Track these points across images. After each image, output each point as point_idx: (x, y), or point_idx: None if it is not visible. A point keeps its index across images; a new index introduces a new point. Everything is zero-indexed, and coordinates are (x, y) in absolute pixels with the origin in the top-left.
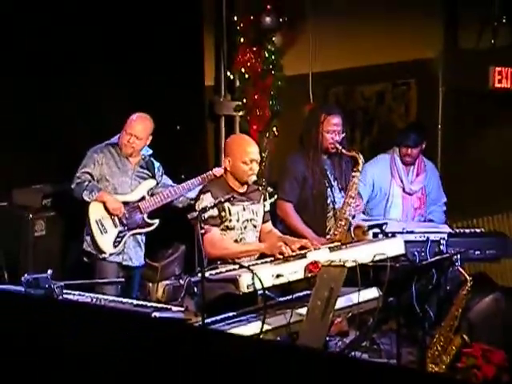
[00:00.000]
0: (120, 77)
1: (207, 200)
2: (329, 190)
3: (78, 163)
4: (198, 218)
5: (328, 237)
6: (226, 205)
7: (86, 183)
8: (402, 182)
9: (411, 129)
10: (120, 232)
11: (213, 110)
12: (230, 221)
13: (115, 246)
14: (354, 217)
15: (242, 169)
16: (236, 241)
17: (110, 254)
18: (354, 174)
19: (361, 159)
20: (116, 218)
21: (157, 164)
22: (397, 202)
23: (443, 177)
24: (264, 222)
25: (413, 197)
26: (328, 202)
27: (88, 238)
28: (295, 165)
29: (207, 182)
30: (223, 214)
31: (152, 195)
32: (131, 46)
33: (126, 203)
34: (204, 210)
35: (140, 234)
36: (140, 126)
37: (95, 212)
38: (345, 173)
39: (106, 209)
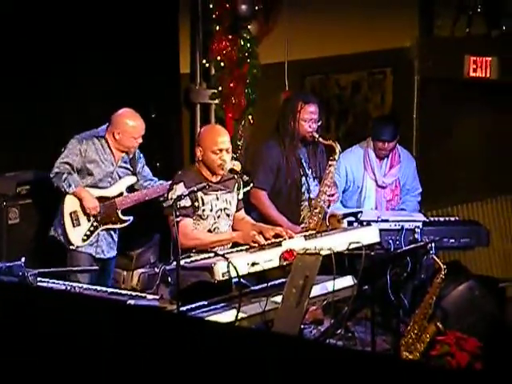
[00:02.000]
0: (94, 64)
1: (180, 190)
2: (303, 178)
3: (55, 150)
4: (173, 207)
5: (303, 225)
6: (199, 194)
7: (66, 175)
8: (374, 175)
9: (386, 122)
10: (92, 226)
11: (188, 97)
12: (204, 210)
13: (84, 240)
14: (328, 206)
15: (211, 158)
16: (209, 230)
17: (78, 247)
18: (330, 162)
19: (338, 148)
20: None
21: (140, 155)
22: (370, 195)
23: (418, 165)
24: (237, 210)
25: (386, 189)
26: (302, 190)
27: (59, 228)
28: (270, 153)
29: (180, 172)
30: (196, 203)
31: (131, 191)
32: (104, 33)
33: (103, 198)
34: (179, 198)
35: (112, 229)
36: (142, 124)
37: (70, 204)
38: (319, 162)
39: (81, 204)
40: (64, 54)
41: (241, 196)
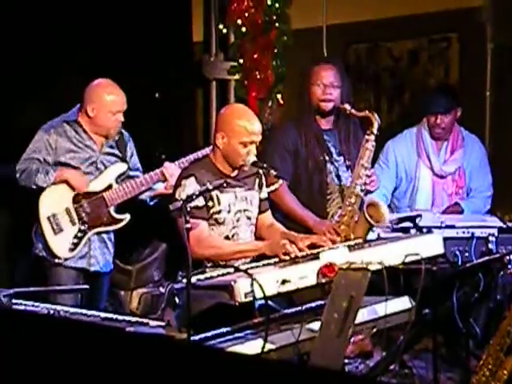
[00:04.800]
0: (86, 35)
1: (191, 186)
2: (329, 165)
3: (27, 140)
4: (183, 209)
5: (336, 218)
6: (214, 192)
7: (35, 166)
8: (430, 161)
9: (439, 92)
10: (79, 231)
11: (201, 72)
12: (220, 212)
13: (71, 250)
14: (366, 193)
15: (238, 151)
16: (227, 237)
17: (66, 259)
18: (367, 137)
19: (376, 120)
20: (74, 213)
21: (129, 138)
22: (424, 187)
23: (491, 155)
24: (261, 212)
25: (446, 180)
26: (328, 180)
27: (38, 241)
28: (286, 133)
29: (189, 165)
30: (210, 203)
31: (121, 183)
32: None
33: (88, 193)
34: (190, 198)
35: (105, 232)
36: (123, 96)
37: (47, 205)
38: (353, 148)
39: (69, 191)
40: (58, 23)
41: (265, 195)
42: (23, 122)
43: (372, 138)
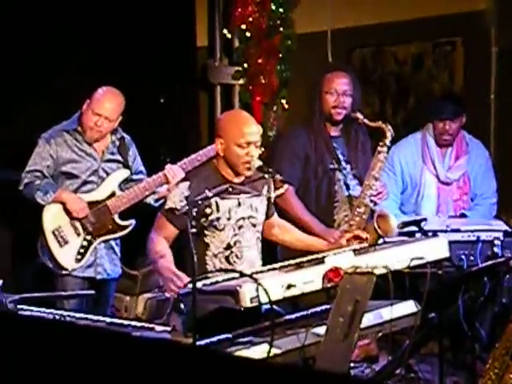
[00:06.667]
0: (89, 36)
1: (180, 190)
2: (338, 172)
3: (32, 146)
4: (188, 213)
5: (342, 228)
6: (214, 199)
7: (38, 181)
8: (435, 168)
9: (445, 97)
10: (84, 241)
11: (206, 76)
12: (218, 219)
13: (78, 260)
14: (375, 204)
15: (236, 153)
16: (229, 245)
17: (73, 270)
18: (379, 148)
19: (389, 131)
20: (78, 224)
21: (131, 142)
22: (429, 193)
23: (496, 159)
24: (268, 216)
25: (451, 186)
26: (336, 188)
27: (44, 252)
28: (296, 139)
29: (193, 169)
30: (208, 210)
31: (124, 189)
32: None
33: (91, 203)
34: (195, 202)
35: (111, 239)
36: (111, 104)
37: (51, 219)
38: (361, 157)
39: (66, 212)
40: (53, 27)
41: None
42: (23, 122)
43: (385, 149)
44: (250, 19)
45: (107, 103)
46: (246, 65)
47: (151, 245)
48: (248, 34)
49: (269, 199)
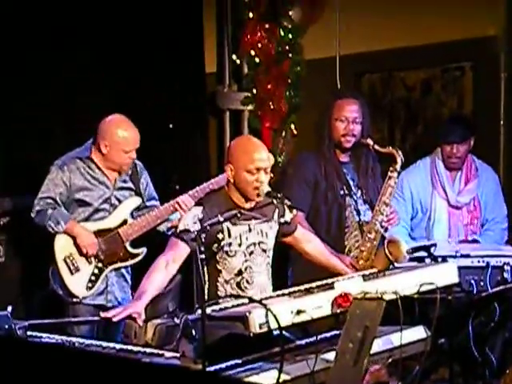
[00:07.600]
0: (100, 63)
1: (192, 213)
2: (348, 198)
3: (45, 171)
4: (197, 239)
5: (352, 254)
6: (225, 224)
7: (50, 211)
8: (445, 192)
9: (454, 121)
10: (96, 268)
11: (215, 102)
12: (230, 245)
13: (89, 288)
14: (386, 229)
15: (245, 179)
16: (240, 271)
17: (84, 298)
18: (390, 174)
19: (399, 156)
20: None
21: (143, 170)
22: (440, 218)
23: (506, 185)
24: (288, 235)
25: (462, 211)
26: (347, 213)
27: (56, 279)
28: (306, 164)
29: (205, 195)
30: (220, 236)
31: (136, 217)
32: (115, 23)
33: (103, 231)
34: (204, 228)
35: (122, 268)
36: (134, 134)
37: (63, 247)
38: (371, 182)
39: (76, 245)
40: (63, 53)
41: (287, 219)
42: (23, 123)
43: (395, 175)
44: (259, 45)
45: (132, 135)
46: (255, 91)
47: (153, 264)
48: (257, 60)
49: (283, 223)
